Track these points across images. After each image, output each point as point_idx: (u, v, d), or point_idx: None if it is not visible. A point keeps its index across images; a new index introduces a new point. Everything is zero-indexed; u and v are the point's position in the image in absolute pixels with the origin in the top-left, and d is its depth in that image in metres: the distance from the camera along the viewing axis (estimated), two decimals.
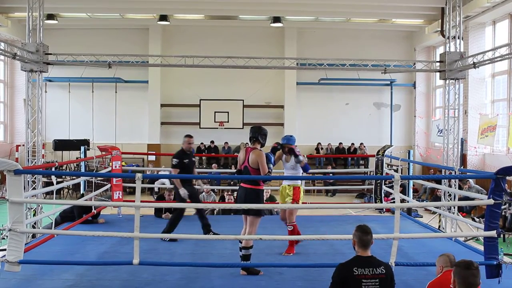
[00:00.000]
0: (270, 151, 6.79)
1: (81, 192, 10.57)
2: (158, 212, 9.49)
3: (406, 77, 18.59)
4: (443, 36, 12.39)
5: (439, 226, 9.26)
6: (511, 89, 13.50)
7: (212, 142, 17.84)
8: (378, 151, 11.07)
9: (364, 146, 17.76)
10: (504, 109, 13.69)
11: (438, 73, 10.13)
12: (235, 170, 6.63)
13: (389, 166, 13.20)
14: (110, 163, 10.10)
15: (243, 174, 6.17)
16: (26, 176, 7.97)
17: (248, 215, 6.06)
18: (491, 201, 5.31)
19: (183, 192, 7.45)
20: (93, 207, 8.92)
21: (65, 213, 8.95)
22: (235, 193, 11.70)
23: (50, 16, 15.73)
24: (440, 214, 9.21)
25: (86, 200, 9.03)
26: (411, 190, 10.92)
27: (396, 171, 12.06)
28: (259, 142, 6.31)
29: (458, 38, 9.20)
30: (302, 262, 6.34)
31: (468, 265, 3.38)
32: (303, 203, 7.45)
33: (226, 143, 17.98)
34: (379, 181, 10.52)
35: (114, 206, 10.14)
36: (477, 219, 10.61)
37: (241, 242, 6.02)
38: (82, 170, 11.41)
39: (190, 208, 8.73)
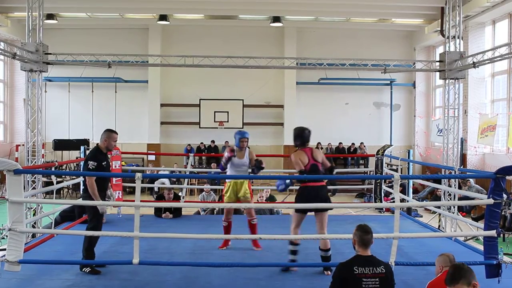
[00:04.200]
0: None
1: (81, 192, 10.57)
2: (158, 211, 9.49)
3: (406, 76, 18.60)
4: (443, 35, 12.40)
5: (439, 226, 9.26)
6: (510, 88, 13.50)
7: (212, 141, 17.85)
8: (378, 150, 11.07)
9: (364, 146, 17.77)
10: (504, 109, 13.69)
11: (438, 73, 10.14)
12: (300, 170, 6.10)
13: (389, 166, 13.20)
14: (110, 163, 10.09)
15: (311, 173, 6.06)
16: (26, 176, 7.98)
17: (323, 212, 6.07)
18: (491, 201, 5.30)
19: (101, 209, 6.06)
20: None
21: (65, 212, 8.95)
22: None
23: (50, 16, 15.73)
24: (440, 214, 9.22)
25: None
26: (410, 190, 10.93)
27: (396, 170, 12.05)
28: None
29: (458, 37, 9.21)
30: (302, 262, 6.34)
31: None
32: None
33: (227, 142, 17.97)
34: (379, 180, 10.53)
35: (114, 205, 10.14)
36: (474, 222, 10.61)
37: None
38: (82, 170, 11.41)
39: (188, 208, 8.73)
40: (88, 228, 5.97)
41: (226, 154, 6.95)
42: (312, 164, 6.06)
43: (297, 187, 6.30)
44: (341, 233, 7.38)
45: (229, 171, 7.10)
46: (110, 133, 6.15)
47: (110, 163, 6.58)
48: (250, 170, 7.12)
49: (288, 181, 6.29)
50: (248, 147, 7.09)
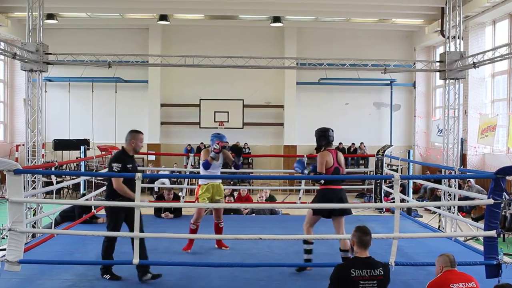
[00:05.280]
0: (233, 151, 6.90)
1: (82, 192, 10.57)
2: (158, 211, 9.49)
3: (406, 77, 18.61)
4: (443, 36, 12.39)
5: (439, 226, 9.26)
6: (511, 89, 13.50)
7: None
8: (378, 151, 11.06)
9: (364, 146, 17.77)
10: (504, 109, 13.69)
11: (438, 73, 10.13)
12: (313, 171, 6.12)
13: (389, 166, 13.19)
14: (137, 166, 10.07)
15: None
16: (26, 176, 7.96)
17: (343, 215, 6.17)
18: (491, 201, 5.30)
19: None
20: (93, 207, 8.91)
21: (65, 212, 8.94)
22: (235, 193, 11.80)
23: (50, 16, 15.74)
24: (440, 214, 9.21)
25: (86, 199, 9.03)
26: (411, 190, 10.93)
27: (396, 171, 12.05)
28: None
29: (458, 38, 9.20)
30: (302, 262, 6.34)
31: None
32: (302, 202, 7.46)
33: (227, 142, 17.95)
34: (379, 181, 10.52)
35: (114, 206, 10.12)
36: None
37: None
38: (82, 170, 11.41)
39: (188, 208, 8.72)
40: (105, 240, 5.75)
41: (216, 146, 6.68)
42: (335, 167, 6.05)
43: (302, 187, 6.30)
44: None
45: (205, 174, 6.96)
46: (136, 134, 5.77)
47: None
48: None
49: (305, 163, 6.28)
50: None
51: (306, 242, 6.14)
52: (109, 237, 5.70)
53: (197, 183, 7.29)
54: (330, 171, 6.00)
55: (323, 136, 6.09)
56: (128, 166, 5.69)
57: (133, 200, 5.40)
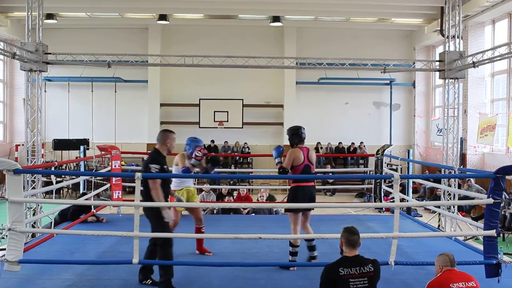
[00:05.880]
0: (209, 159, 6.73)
1: (81, 192, 10.57)
2: None
3: (405, 76, 18.61)
4: (443, 35, 12.40)
5: (439, 226, 9.26)
6: (510, 88, 13.50)
7: (212, 141, 17.84)
8: (378, 150, 11.07)
9: (364, 146, 17.78)
10: (504, 109, 13.70)
11: (437, 73, 10.13)
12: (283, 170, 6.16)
13: (388, 166, 13.20)
14: (110, 163, 10.10)
15: (303, 173, 6.20)
16: (26, 176, 7.97)
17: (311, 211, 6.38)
18: (491, 201, 5.31)
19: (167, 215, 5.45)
20: (92, 206, 8.92)
21: (64, 212, 8.95)
22: (235, 192, 11.80)
23: (50, 16, 15.73)
24: (439, 214, 9.22)
25: (86, 199, 9.03)
26: (410, 190, 10.93)
27: (396, 170, 12.06)
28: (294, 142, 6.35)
29: (458, 37, 9.20)
30: (301, 262, 6.34)
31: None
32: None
33: (226, 142, 17.99)
34: (378, 180, 10.53)
35: (114, 205, 10.15)
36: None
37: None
38: (82, 169, 11.42)
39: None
40: (159, 243, 5.41)
41: (198, 153, 6.44)
42: (305, 165, 6.20)
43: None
44: (340, 232, 7.39)
45: (180, 180, 6.82)
46: (170, 134, 5.59)
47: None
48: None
49: (282, 151, 6.40)
50: None
51: (292, 245, 6.20)
52: (169, 241, 5.43)
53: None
54: (300, 168, 6.15)
55: (296, 134, 6.30)
56: (164, 167, 5.52)
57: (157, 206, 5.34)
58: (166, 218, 5.36)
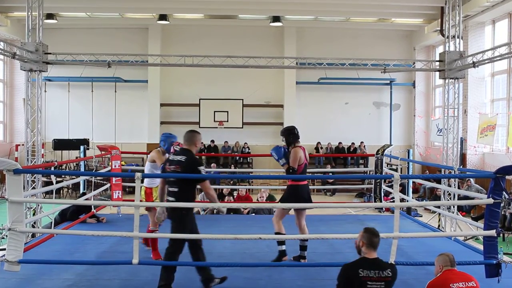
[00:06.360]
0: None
1: (81, 192, 10.57)
2: None
3: (405, 76, 18.61)
4: (443, 35, 12.40)
5: (439, 226, 9.26)
6: (510, 88, 13.50)
7: (212, 141, 17.85)
8: (378, 150, 11.07)
9: (364, 146, 17.78)
10: (504, 108, 13.69)
11: (437, 73, 10.14)
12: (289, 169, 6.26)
13: (388, 166, 13.20)
14: (110, 163, 10.09)
15: (303, 172, 6.43)
16: (26, 176, 7.97)
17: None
18: (491, 200, 5.31)
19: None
20: (92, 206, 8.92)
21: (64, 212, 8.95)
22: (235, 192, 11.80)
23: (50, 16, 15.72)
24: (439, 214, 9.22)
25: (86, 199, 9.03)
26: (410, 190, 10.93)
27: (396, 170, 12.05)
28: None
29: (458, 37, 9.20)
30: (301, 262, 6.34)
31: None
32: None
33: (226, 142, 17.99)
34: (378, 180, 10.52)
35: (114, 205, 10.15)
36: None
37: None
38: (82, 169, 11.41)
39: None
40: (193, 246, 5.44)
41: (177, 148, 6.42)
42: (305, 164, 6.44)
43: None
44: (341, 232, 7.40)
45: (153, 179, 6.68)
46: (199, 135, 5.57)
47: None
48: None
49: (283, 152, 6.49)
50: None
51: (278, 233, 6.38)
52: (199, 242, 5.45)
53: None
54: (301, 167, 6.36)
55: (292, 134, 6.45)
56: None
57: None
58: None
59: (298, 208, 6.29)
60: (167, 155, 6.56)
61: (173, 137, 6.86)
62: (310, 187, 6.63)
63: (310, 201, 6.46)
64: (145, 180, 6.70)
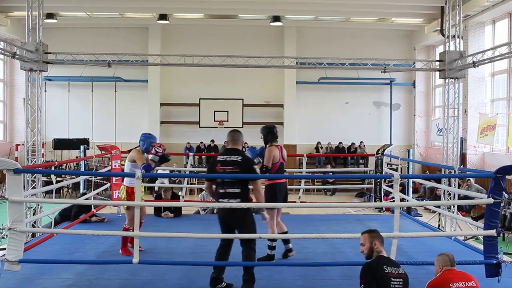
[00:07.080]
0: None
1: (81, 191, 10.57)
2: (158, 211, 9.49)
3: (405, 76, 18.61)
4: (443, 35, 12.39)
5: (439, 225, 9.26)
6: (510, 88, 13.50)
7: (212, 141, 17.85)
8: (378, 150, 11.06)
9: (364, 145, 17.77)
10: (504, 108, 13.69)
11: (437, 72, 10.14)
12: (264, 168, 6.30)
13: (388, 165, 13.20)
14: (110, 162, 10.10)
15: (279, 171, 6.46)
16: (26, 175, 7.97)
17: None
18: (491, 200, 5.30)
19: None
20: (92, 206, 8.92)
21: (64, 212, 8.95)
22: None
23: (50, 15, 15.73)
24: (439, 213, 9.21)
25: (86, 199, 9.04)
26: (410, 189, 10.93)
27: (396, 170, 12.06)
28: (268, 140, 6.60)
29: (458, 37, 9.20)
30: (301, 261, 6.34)
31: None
32: (301, 201, 7.47)
33: (226, 142, 17.95)
34: (378, 180, 10.52)
35: (114, 205, 10.14)
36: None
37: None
38: (82, 169, 11.41)
39: (188, 207, 8.71)
40: (250, 245, 5.40)
41: (159, 149, 6.43)
42: (281, 163, 6.48)
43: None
44: (341, 232, 7.41)
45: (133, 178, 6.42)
46: (242, 134, 5.87)
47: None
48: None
49: (257, 152, 6.58)
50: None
51: (271, 239, 6.34)
52: (254, 242, 5.44)
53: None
54: (276, 166, 6.41)
55: (271, 133, 6.57)
56: None
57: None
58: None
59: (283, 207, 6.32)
60: (145, 155, 6.64)
61: (152, 137, 6.85)
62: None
63: (286, 200, 6.61)
64: (126, 179, 6.69)
